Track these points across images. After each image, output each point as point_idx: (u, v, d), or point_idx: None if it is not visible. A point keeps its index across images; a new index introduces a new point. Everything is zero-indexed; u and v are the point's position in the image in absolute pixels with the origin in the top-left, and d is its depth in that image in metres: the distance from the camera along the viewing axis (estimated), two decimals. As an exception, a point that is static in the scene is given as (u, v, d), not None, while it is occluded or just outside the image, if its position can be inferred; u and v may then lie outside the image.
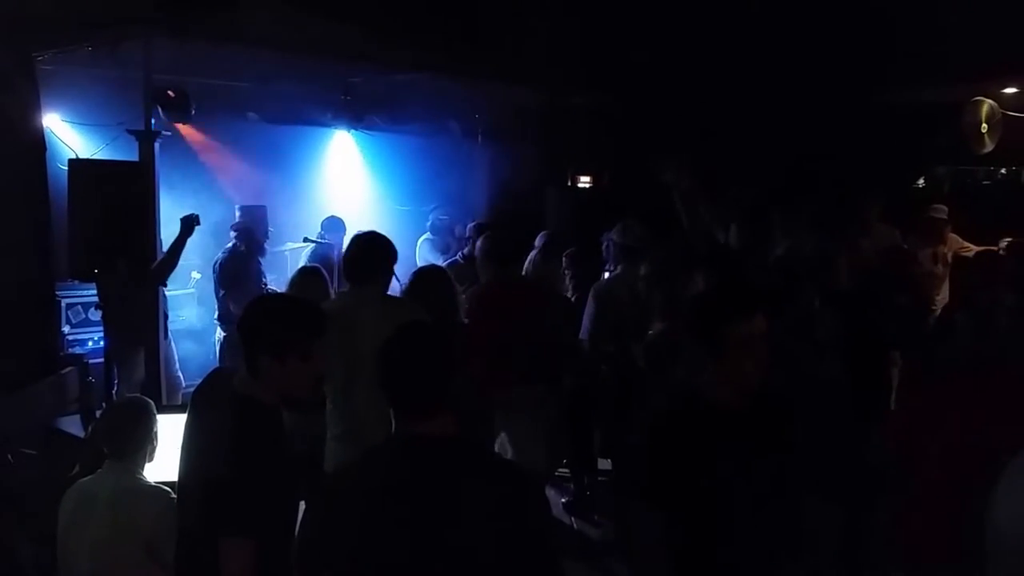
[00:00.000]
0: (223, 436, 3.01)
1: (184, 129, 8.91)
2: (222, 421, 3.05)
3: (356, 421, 4.55)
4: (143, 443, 4.00)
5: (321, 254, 8.37)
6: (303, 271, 6.09)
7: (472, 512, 2.44)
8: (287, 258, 9.35)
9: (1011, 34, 7.72)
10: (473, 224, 8.71)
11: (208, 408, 3.22)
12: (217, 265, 8.31)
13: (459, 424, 2.63)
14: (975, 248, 8.18)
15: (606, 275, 7.18)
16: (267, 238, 8.65)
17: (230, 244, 8.35)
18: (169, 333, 7.79)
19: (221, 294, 8.27)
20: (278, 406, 3.16)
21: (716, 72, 10.47)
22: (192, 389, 7.39)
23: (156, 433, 4.08)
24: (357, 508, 2.54)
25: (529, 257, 7.24)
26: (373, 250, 4.94)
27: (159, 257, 7.02)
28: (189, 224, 6.90)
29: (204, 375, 3.58)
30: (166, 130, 7.12)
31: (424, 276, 5.55)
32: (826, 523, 4.06)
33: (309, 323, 3.17)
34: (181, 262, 7.20)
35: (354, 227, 8.96)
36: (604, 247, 7.18)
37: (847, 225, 7.71)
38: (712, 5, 10.28)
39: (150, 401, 4.24)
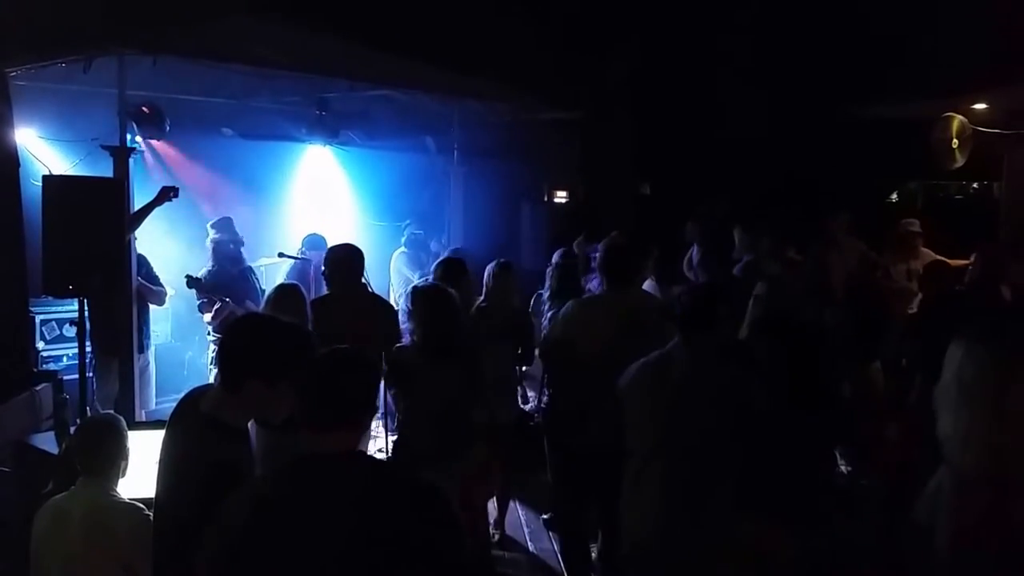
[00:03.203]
0: (185, 458, 3.00)
1: (158, 145, 8.90)
2: (185, 442, 3.04)
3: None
4: (115, 460, 3.99)
5: (299, 270, 8.34)
6: (280, 288, 6.04)
7: (375, 527, 2.44)
8: (263, 274, 9.31)
9: (981, 50, 7.82)
10: (452, 249, 8.75)
11: (176, 427, 3.19)
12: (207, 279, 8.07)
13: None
14: (948, 262, 8.25)
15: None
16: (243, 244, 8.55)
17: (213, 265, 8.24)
18: (148, 348, 7.71)
19: (217, 306, 7.90)
20: (244, 427, 3.10)
21: (691, 88, 10.57)
22: (156, 408, 7.42)
23: (128, 450, 4.07)
24: (260, 526, 2.50)
25: None
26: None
27: (133, 272, 7.01)
28: (164, 193, 7.12)
29: (175, 391, 3.56)
30: (140, 148, 7.11)
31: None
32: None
33: (306, 351, 3.10)
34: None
35: (331, 243, 8.97)
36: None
37: (814, 239, 7.76)
38: (687, 24, 10.39)
39: (121, 418, 4.24)
